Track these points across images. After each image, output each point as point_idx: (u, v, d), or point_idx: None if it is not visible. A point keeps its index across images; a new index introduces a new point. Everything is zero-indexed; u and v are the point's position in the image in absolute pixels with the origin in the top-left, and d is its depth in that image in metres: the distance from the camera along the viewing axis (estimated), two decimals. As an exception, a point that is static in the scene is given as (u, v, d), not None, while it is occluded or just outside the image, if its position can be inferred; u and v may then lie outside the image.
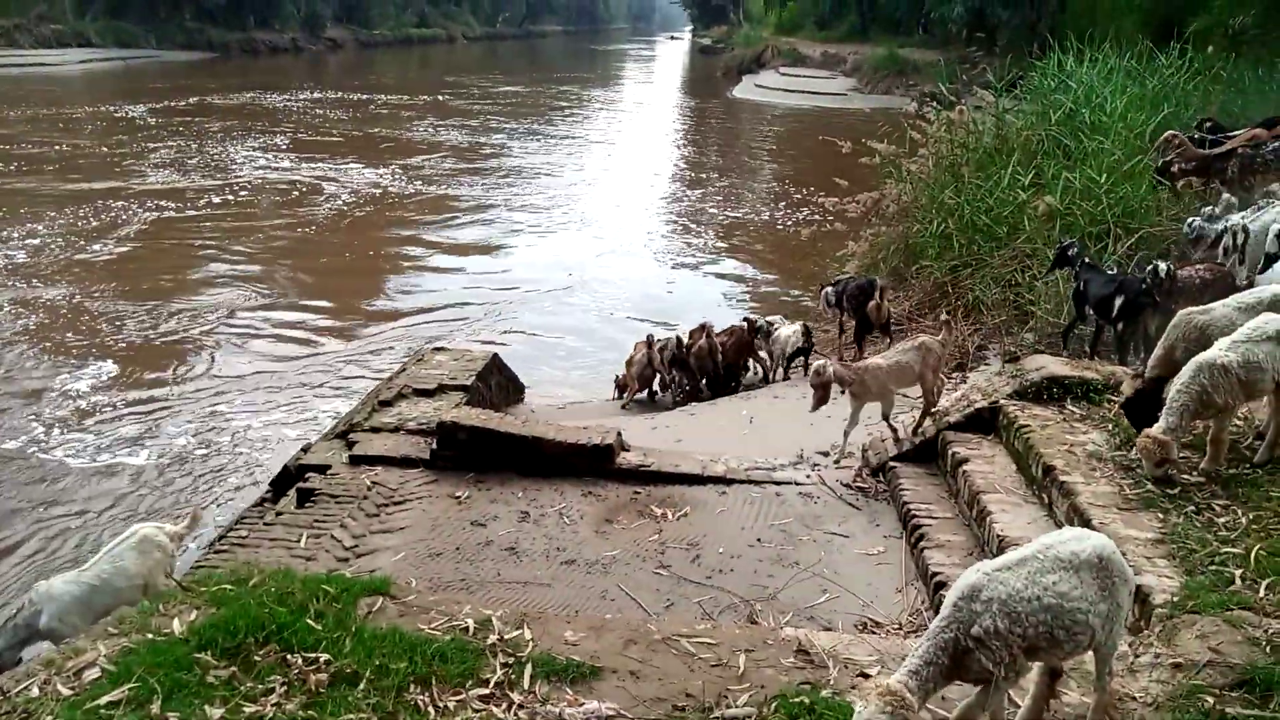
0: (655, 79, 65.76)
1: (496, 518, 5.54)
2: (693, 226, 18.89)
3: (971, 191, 10.23)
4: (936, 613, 4.40)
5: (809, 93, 42.05)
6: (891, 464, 5.93)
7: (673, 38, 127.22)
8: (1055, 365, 6.13)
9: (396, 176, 22.41)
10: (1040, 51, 14.31)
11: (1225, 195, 8.62)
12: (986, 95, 12.49)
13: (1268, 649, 3.26)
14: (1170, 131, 9.78)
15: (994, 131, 11.28)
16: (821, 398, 5.80)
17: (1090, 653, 3.01)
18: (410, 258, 16.10)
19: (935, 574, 4.64)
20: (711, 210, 20.18)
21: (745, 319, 9.50)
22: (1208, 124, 10.66)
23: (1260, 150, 9.16)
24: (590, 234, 18.11)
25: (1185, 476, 4.57)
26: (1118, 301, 6.73)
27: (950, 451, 5.64)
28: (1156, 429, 4.49)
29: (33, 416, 9.13)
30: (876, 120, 14.65)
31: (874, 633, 4.29)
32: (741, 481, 5.91)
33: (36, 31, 54.00)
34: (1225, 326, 4.78)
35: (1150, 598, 3.68)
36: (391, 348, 11.47)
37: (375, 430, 6.72)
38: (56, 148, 24.67)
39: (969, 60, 23.46)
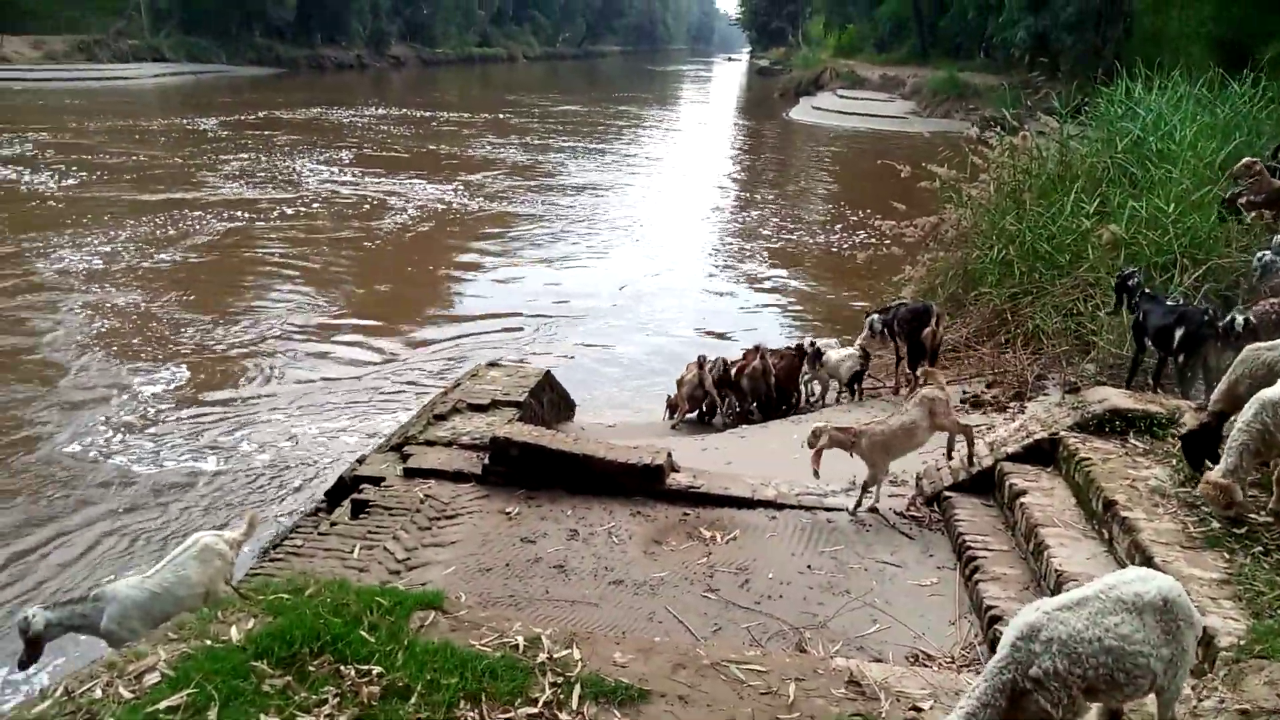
0: (712, 100, 66.01)
1: (546, 535, 5.57)
2: (747, 248, 18.88)
3: (1033, 218, 10.08)
4: (991, 648, 4.34)
5: (867, 115, 41.86)
6: (946, 494, 5.84)
7: (730, 59, 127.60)
8: (1118, 397, 6.00)
9: (458, 193, 22.78)
10: (1106, 78, 14.04)
11: (1298, 228, 8.38)
12: (1050, 121, 12.33)
13: (1340, 700, 3.15)
14: (1249, 158, 9.51)
15: (1058, 158, 11.12)
16: (816, 455, 5.68)
17: (1152, 696, 2.93)
18: (468, 273, 16.33)
19: (990, 607, 4.55)
20: (766, 232, 20.15)
21: (798, 344, 9.45)
22: None
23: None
24: (644, 253, 18.20)
25: (1253, 516, 4.44)
26: (1178, 333, 6.56)
27: (1008, 483, 5.54)
28: (1217, 472, 4.36)
29: (100, 420, 9.40)
30: (936, 144, 14.52)
31: (926, 665, 4.22)
32: (792, 506, 5.86)
33: (115, 47, 56.07)
34: (1295, 364, 4.64)
35: (1215, 640, 3.57)
36: (447, 361, 11.63)
37: (429, 444, 6.79)
38: (133, 158, 25.55)
39: (1031, 85, 23.12)
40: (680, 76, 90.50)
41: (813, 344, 9.17)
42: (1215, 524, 4.41)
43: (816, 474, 5.65)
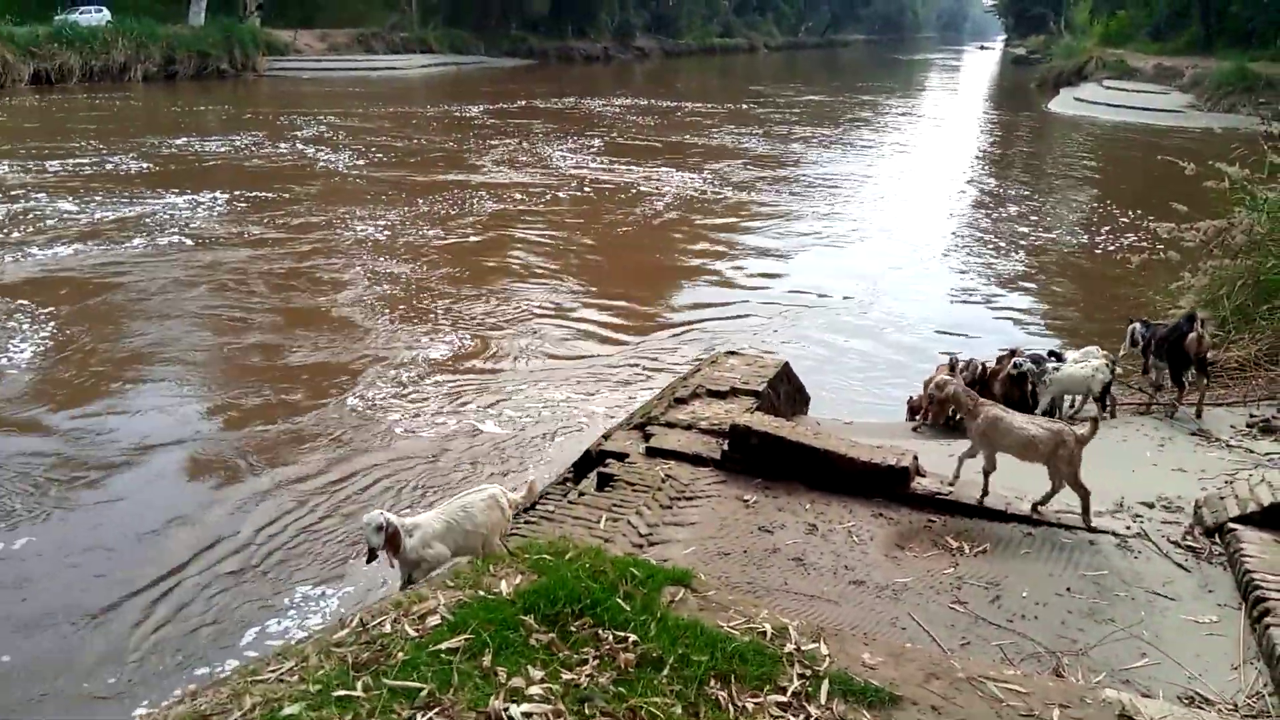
0: (962, 89, 62.96)
1: (784, 526, 5.56)
2: (999, 244, 17.92)
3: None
4: (1283, 701, 3.90)
5: (1137, 108, 38.44)
6: (1231, 525, 5.29)
7: (983, 47, 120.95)
8: None
9: (702, 181, 23.12)
10: None
11: None
12: None
13: None
14: None
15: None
16: (938, 414, 5.41)
17: None
18: (710, 260, 16.53)
19: (1284, 657, 4.09)
20: (1021, 229, 19.02)
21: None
22: None
23: None
24: (884, 247, 17.69)
25: None
26: None
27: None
28: None
29: (380, 377, 10.33)
30: (1224, 140, 13.08)
31: (1203, 709, 3.85)
32: (1050, 524, 5.51)
33: (388, 39, 61.09)
34: None
35: None
36: (686, 346, 11.85)
37: (670, 425, 6.95)
38: (412, 141, 27.82)
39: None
40: (928, 65, 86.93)
41: (1019, 353, 8.40)
42: None
43: (925, 422, 5.69)
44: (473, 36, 65.89)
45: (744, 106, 41.22)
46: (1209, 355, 7.94)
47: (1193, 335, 7.64)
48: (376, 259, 15.24)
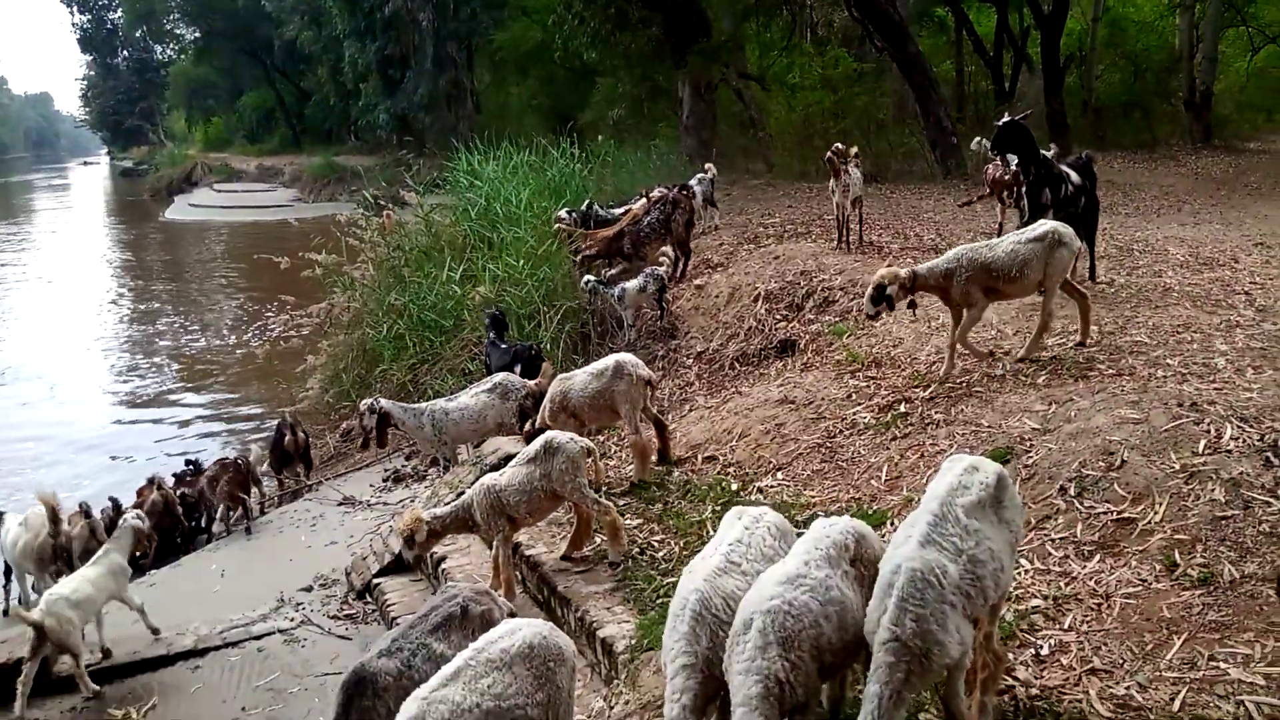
0: (77, 207, 57.15)
1: None
2: (152, 361, 16.95)
3: (414, 290, 10.36)
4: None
5: (251, 207, 39.55)
6: (376, 581, 5.65)
7: (87, 163, 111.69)
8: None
9: None
10: (466, 151, 14.52)
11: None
12: (413, 196, 12.85)
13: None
14: (557, 214, 10.46)
15: (425, 231, 11.61)
16: None
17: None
18: None
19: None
20: (165, 343, 18.30)
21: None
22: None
23: (639, 225, 10.12)
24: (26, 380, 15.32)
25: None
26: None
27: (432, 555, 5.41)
28: None
29: None
30: (321, 229, 14.04)
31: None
32: (216, 648, 5.16)
33: None
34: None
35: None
36: None
37: None
38: None
39: (402, 162, 24.22)
40: (29, 187, 76.55)
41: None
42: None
43: None
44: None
45: None
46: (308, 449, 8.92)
47: (289, 438, 8.49)
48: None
